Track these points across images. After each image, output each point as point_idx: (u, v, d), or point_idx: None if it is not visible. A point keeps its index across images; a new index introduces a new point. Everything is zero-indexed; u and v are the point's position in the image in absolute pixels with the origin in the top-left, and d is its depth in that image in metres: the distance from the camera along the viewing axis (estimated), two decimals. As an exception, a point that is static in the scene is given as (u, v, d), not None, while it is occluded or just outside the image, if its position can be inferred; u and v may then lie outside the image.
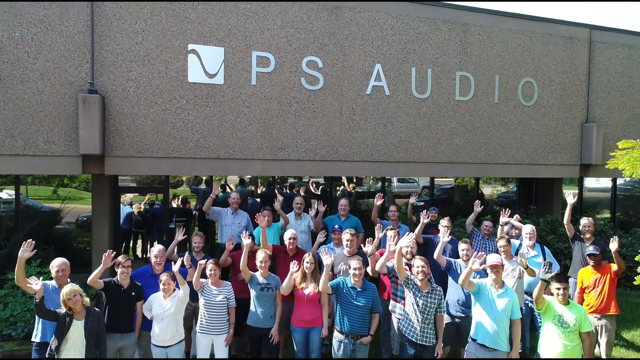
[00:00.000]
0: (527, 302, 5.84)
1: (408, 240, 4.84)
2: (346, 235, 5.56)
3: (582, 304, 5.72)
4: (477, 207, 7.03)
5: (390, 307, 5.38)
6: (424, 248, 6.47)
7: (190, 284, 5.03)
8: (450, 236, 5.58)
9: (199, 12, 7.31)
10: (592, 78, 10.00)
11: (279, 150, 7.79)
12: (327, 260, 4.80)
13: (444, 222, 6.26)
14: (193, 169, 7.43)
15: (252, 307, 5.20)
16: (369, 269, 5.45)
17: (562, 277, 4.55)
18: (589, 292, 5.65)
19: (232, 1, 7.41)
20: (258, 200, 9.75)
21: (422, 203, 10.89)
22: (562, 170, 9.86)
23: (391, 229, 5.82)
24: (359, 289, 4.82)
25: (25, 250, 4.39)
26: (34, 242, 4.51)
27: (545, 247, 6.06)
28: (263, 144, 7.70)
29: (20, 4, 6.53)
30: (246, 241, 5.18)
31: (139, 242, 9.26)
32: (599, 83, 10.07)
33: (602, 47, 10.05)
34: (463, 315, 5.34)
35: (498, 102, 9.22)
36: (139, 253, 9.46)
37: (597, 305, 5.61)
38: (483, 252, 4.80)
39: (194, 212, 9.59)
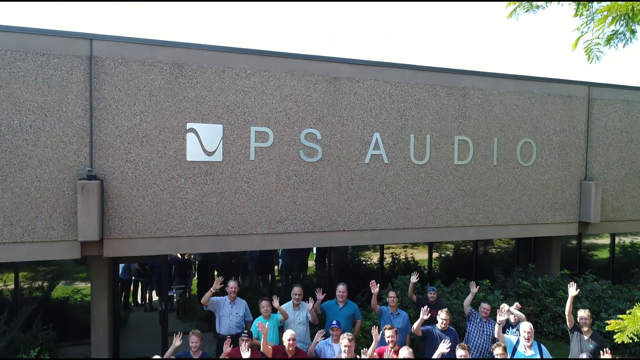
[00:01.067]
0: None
1: None
2: (344, 341, 5.54)
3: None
4: (474, 288, 7.05)
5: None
6: (423, 338, 6.48)
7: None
8: (449, 348, 5.56)
9: (198, 91, 7.31)
10: (590, 135, 10.01)
11: (278, 223, 7.80)
12: None
13: (443, 315, 6.27)
14: (192, 246, 7.44)
15: (250, 418, 5.22)
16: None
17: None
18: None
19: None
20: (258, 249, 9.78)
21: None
22: (560, 229, 9.87)
23: (389, 328, 5.82)
24: (356, 411, 4.84)
25: None
26: None
27: (542, 345, 6.07)
28: (262, 218, 7.71)
29: (19, 92, 6.54)
30: (245, 355, 5.18)
31: (139, 289, 9.27)
32: (597, 139, 10.07)
33: (600, 104, 10.05)
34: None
35: (497, 164, 9.22)
36: (138, 300, 9.50)
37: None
38: None
39: (194, 261, 9.63)
